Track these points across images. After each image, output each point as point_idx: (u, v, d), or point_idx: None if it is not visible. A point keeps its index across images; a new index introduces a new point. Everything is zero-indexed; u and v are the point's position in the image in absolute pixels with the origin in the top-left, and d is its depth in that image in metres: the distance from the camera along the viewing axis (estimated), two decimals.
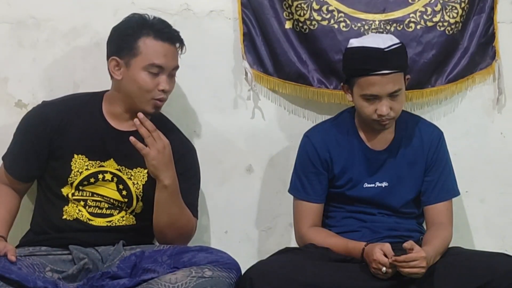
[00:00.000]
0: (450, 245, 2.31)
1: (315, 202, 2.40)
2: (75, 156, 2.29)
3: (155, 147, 2.18)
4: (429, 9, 2.57)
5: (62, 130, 2.29)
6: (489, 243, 2.69)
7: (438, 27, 2.58)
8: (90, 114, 2.32)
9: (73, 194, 2.29)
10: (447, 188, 2.41)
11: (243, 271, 2.18)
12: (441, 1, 2.57)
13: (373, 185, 2.38)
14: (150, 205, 2.29)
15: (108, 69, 2.29)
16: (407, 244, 2.12)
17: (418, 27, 2.58)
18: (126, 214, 2.32)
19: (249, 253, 2.66)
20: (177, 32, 2.32)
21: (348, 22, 2.58)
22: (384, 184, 2.38)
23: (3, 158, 2.38)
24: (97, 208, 2.30)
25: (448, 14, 2.57)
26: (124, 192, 2.30)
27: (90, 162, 2.29)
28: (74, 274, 2.17)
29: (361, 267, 2.21)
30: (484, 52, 2.64)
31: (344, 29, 2.58)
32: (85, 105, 2.34)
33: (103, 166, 2.30)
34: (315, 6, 2.56)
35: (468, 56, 2.62)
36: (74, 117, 2.30)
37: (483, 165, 2.71)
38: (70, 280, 2.16)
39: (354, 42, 2.30)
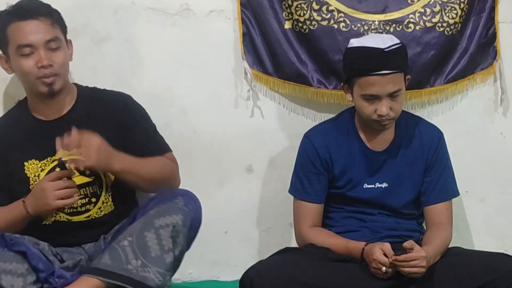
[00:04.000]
0: (450, 245, 2.32)
1: (315, 202, 2.40)
2: (25, 164, 2.28)
3: (91, 156, 2.16)
4: (428, 10, 2.58)
5: (6, 148, 2.29)
6: (489, 243, 2.69)
7: (437, 28, 2.58)
8: (20, 121, 2.33)
9: None
10: (447, 188, 2.41)
11: (243, 271, 2.18)
12: (440, 2, 2.57)
13: (373, 185, 2.38)
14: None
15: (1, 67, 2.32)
16: (407, 244, 2.12)
17: (417, 27, 2.58)
18: (104, 194, 2.30)
19: (249, 253, 2.66)
20: (36, 4, 2.28)
21: (348, 22, 2.58)
22: (384, 184, 2.38)
23: None
24: (71, 208, 2.28)
25: (447, 14, 2.57)
26: (87, 172, 2.27)
27: (42, 162, 2.28)
28: (69, 267, 2.20)
29: (361, 267, 2.22)
30: (485, 52, 2.64)
31: (343, 29, 2.58)
32: (14, 116, 2.36)
33: (55, 160, 2.27)
34: (315, 6, 2.57)
35: (467, 56, 2.63)
36: (11, 131, 2.31)
37: (483, 165, 2.71)
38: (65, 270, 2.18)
39: (354, 42, 2.30)
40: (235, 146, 2.69)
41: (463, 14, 2.59)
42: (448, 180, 2.41)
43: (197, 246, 2.55)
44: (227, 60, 2.65)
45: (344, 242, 2.30)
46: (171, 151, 2.41)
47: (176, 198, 2.14)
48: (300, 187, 2.41)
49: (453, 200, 2.43)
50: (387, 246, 2.15)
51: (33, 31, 2.22)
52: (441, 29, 2.58)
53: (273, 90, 2.67)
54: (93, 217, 2.30)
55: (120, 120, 2.33)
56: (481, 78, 2.67)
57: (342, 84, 2.40)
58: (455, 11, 2.58)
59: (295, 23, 2.60)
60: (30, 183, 2.28)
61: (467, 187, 2.67)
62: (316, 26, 2.58)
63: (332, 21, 2.58)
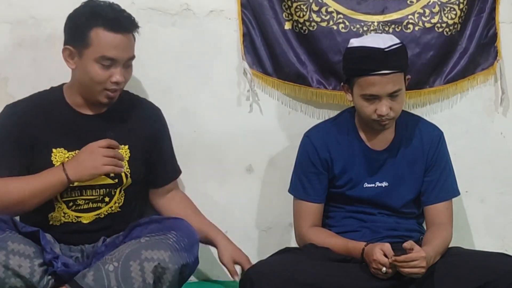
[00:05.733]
0: (450, 245, 2.32)
1: (315, 202, 2.40)
2: (54, 150, 2.25)
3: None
4: (427, 11, 2.58)
5: (35, 128, 2.26)
6: (489, 243, 2.69)
7: (436, 28, 2.58)
8: (55, 107, 2.30)
9: (62, 196, 2.26)
10: (447, 188, 2.41)
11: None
12: (439, 3, 2.58)
13: (373, 185, 2.38)
14: (137, 180, 2.33)
15: (63, 57, 2.27)
16: (407, 244, 2.12)
17: (417, 28, 2.58)
18: (117, 194, 2.31)
19: (249, 253, 2.63)
20: (130, 20, 2.26)
21: (347, 23, 2.59)
22: (384, 184, 2.38)
23: None
24: (84, 204, 2.28)
25: (446, 15, 2.58)
26: (112, 174, 2.27)
27: (70, 153, 2.26)
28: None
29: (361, 267, 2.21)
30: (486, 52, 2.65)
31: (343, 30, 2.58)
32: (47, 100, 2.32)
33: None
34: (314, 7, 2.57)
35: (467, 56, 2.63)
36: (41, 113, 2.28)
37: (483, 165, 2.71)
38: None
39: (354, 42, 2.30)
40: (235, 146, 2.69)
41: (462, 14, 2.59)
42: (448, 180, 2.41)
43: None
44: (227, 60, 2.65)
45: (344, 242, 2.30)
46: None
47: (170, 232, 2.11)
48: (300, 187, 2.41)
49: (453, 200, 2.43)
50: (387, 246, 2.15)
51: (121, 47, 2.21)
52: (440, 29, 2.58)
53: (273, 90, 2.67)
54: (102, 215, 2.30)
55: (152, 130, 2.36)
56: (482, 78, 2.67)
57: (342, 84, 2.40)
58: (454, 12, 2.58)
59: (295, 24, 2.60)
60: None
61: (467, 187, 2.67)
62: (315, 27, 2.58)
63: (331, 22, 2.58)
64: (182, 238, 2.11)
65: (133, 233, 2.21)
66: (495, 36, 2.63)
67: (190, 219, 2.30)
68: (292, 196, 2.45)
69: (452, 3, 2.58)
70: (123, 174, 2.29)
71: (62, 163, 2.18)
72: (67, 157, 2.25)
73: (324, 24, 2.58)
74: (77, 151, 2.24)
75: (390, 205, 2.39)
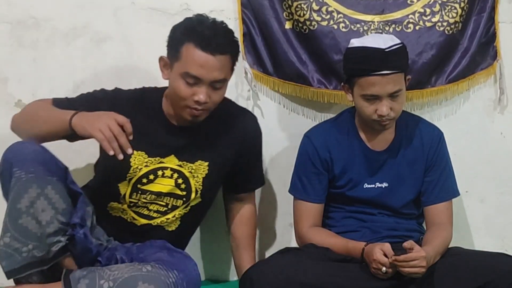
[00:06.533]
0: (450, 245, 2.31)
1: (315, 202, 2.40)
2: (135, 152, 2.21)
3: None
4: (428, 10, 2.58)
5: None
6: (489, 243, 2.69)
7: (437, 27, 2.58)
8: (150, 110, 2.29)
9: (130, 195, 2.27)
10: (447, 189, 2.41)
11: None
12: (439, 2, 2.57)
13: (373, 185, 2.38)
14: (206, 199, 2.33)
15: (159, 67, 2.26)
16: (407, 244, 2.12)
17: (417, 27, 2.58)
18: (179, 210, 2.30)
19: None
20: (226, 41, 2.18)
21: (348, 23, 2.58)
22: (384, 184, 2.38)
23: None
24: (145, 209, 2.29)
25: (447, 14, 2.57)
26: (183, 186, 2.28)
27: (150, 159, 2.26)
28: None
29: (361, 267, 2.21)
30: (485, 52, 2.64)
31: (343, 29, 2.58)
32: (145, 101, 2.31)
33: (162, 162, 2.27)
34: (315, 7, 2.57)
35: (468, 56, 2.63)
36: (134, 113, 2.23)
37: (483, 165, 2.71)
38: None
39: (355, 42, 2.29)
40: None
41: (463, 13, 2.59)
42: (448, 180, 2.41)
43: (198, 246, 2.56)
44: None
45: (344, 242, 2.30)
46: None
47: (172, 270, 2.07)
48: (300, 187, 2.41)
49: (453, 200, 2.43)
50: (387, 246, 2.15)
51: (207, 67, 2.14)
52: (441, 28, 2.58)
53: (273, 90, 2.67)
54: (154, 224, 2.30)
55: (240, 145, 2.36)
56: (481, 78, 2.67)
57: (342, 84, 2.40)
58: (455, 11, 2.58)
59: (295, 23, 2.60)
60: (129, 172, 2.25)
61: (467, 187, 2.67)
62: (316, 26, 2.58)
63: (331, 22, 2.58)
64: (182, 281, 2.07)
65: (144, 250, 2.20)
66: (494, 35, 2.63)
67: (237, 249, 2.44)
68: (292, 196, 2.45)
69: (452, 2, 2.57)
70: (193, 189, 2.29)
71: (77, 111, 2.15)
72: (145, 163, 2.26)
73: (324, 23, 2.58)
74: (157, 158, 2.25)
75: (390, 206, 2.38)
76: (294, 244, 2.50)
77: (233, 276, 2.62)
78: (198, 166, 2.30)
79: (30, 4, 2.59)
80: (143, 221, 2.29)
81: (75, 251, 2.09)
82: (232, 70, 2.24)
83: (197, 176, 2.30)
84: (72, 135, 2.16)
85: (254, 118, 2.44)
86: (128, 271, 2.03)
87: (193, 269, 2.14)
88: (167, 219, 2.30)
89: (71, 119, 2.10)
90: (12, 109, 2.59)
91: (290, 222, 2.54)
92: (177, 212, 2.31)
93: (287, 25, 2.62)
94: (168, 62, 2.21)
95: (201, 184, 2.31)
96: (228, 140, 2.34)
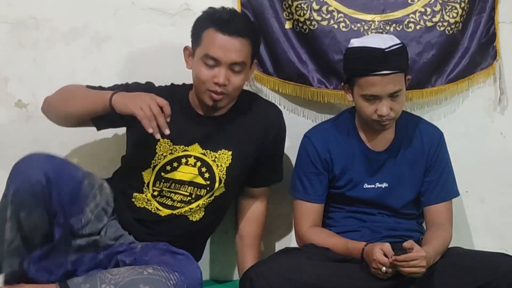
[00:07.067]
0: (450, 245, 2.31)
1: (315, 202, 2.40)
2: (161, 140, 2.25)
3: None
4: (429, 10, 2.57)
5: None
6: (489, 243, 2.69)
7: (437, 27, 2.58)
8: (177, 101, 2.32)
9: (153, 184, 2.30)
10: (447, 189, 2.41)
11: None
12: (440, 1, 2.57)
13: (373, 185, 2.38)
14: (230, 190, 2.35)
15: (184, 57, 2.33)
16: (407, 244, 2.12)
17: (418, 27, 2.58)
18: (203, 200, 2.31)
19: None
20: (244, 24, 2.27)
21: (348, 22, 2.58)
22: (384, 184, 2.38)
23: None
24: (169, 200, 2.31)
25: (448, 14, 2.57)
26: (206, 175, 2.30)
27: (175, 146, 2.30)
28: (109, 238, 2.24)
29: (361, 267, 2.21)
30: (485, 52, 2.64)
31: (343, 29, 2.58)
32: (174, 93, 2.35)
33: (187, 150, 2.30)
34: (315, 7, 2.57)
35: (468, 56, 2.62)
36: (170, 104, 2.24)
37: (483, 165, 2.71)
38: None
39: (355, 42, 2.30)
40: None
41: (464, 13, 2.59)
42: (448, 180, 2.41)
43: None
44: None
45: (344, 242, 2.30)
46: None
47: (174, 273, 2.09)
48: (300, 187, 2.41)
49: (453, 200, 2.43)
50: (387, 246, 2.15)
51: (225, 48, 2.21)
52: (442, 28, 2.58)
53: (274, 90, 2.66)
54: (178, 214, 2.30)
55: (264, 137, 2.37)
56: (481, 78, 2.66)
57: (342, 84, 2.40)
58: (456, 11, 2.57)
59: (295, 23, 2.60)
60: (154, 159, 2.29)
61: (467, 187, 2.67)
62: (316, 26, 2.58)
63: (332, 21, 2.58)
64: (183, 284, 2.09)
65: (147, 251, 2.21)
66: (494, 35, 2.63)
67: (242, 247, 2.46)
68: (292, 196, 2.45)
69: (453, 2, 2.57)
70: (217, 178, 2.30)
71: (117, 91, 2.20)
72: (170, 150, 2.29)
73: (324, 23, 2.58)
74: (182, 146, 2.29)
75: (390, 206, 2.38)
76: (294, 244, 2.50)
77: (238, 276, 2.62)
78: (221, 155, 2.32)
79: (30, 4, 2.59)
80: (167, 211, 2.30)
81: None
82: (252, 58, 2.30)
83: (221, 165, 2.31)
84: (104, 118, 2.25)
85: (279, 112, 2.46)
86: (129, 275, 2.05)
87: (194, 271, 2.15)
88: (191, 208, 2.31)
89: (112, 96, 2.16)
90: (12, 109, 2.60)
91: (290, 222, 2.54)
92: (201, 202, 2.32)
93: (287, 25, 2.61)
94: (192, 50, 2.28)
95: (225, 173, 2.32)
96: (253, 131, 2.36)
